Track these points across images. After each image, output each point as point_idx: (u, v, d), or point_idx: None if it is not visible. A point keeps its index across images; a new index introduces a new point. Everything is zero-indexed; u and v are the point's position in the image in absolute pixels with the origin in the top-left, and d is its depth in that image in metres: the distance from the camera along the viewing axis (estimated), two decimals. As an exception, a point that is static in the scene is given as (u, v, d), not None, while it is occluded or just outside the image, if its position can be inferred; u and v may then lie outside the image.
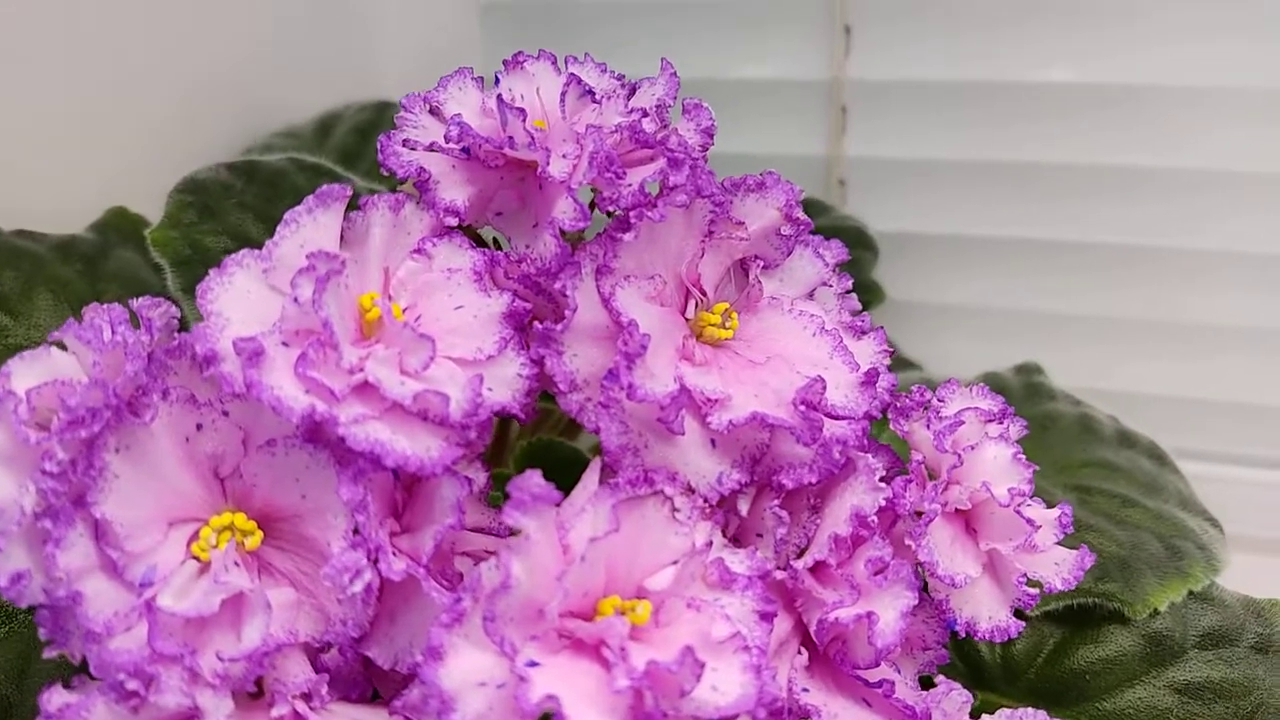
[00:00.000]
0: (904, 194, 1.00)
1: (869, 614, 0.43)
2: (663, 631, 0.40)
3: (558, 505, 0.39)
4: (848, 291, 0.53)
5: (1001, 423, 0.50)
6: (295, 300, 0.40)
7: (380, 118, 0.98)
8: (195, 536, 0.42)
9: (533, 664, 0.38)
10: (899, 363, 0.91)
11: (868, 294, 0.84)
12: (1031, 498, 0.50)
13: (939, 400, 0.50)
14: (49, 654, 0.41)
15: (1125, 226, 0.91)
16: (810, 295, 0.52)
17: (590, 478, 0.42)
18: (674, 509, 0.41)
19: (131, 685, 0.38)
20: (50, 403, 0.41)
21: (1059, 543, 0.49)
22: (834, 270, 0.53)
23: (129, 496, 0.40)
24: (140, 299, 0.44)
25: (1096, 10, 0.90)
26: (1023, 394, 0.77)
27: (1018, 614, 0.50)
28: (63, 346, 0.44)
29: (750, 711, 0.38)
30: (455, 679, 0.37)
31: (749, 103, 1.02)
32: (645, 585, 0.41)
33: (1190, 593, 0.62)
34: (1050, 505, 0.65)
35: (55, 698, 0.40)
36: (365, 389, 0.41)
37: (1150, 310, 0.92)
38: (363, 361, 0.40)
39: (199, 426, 0.42)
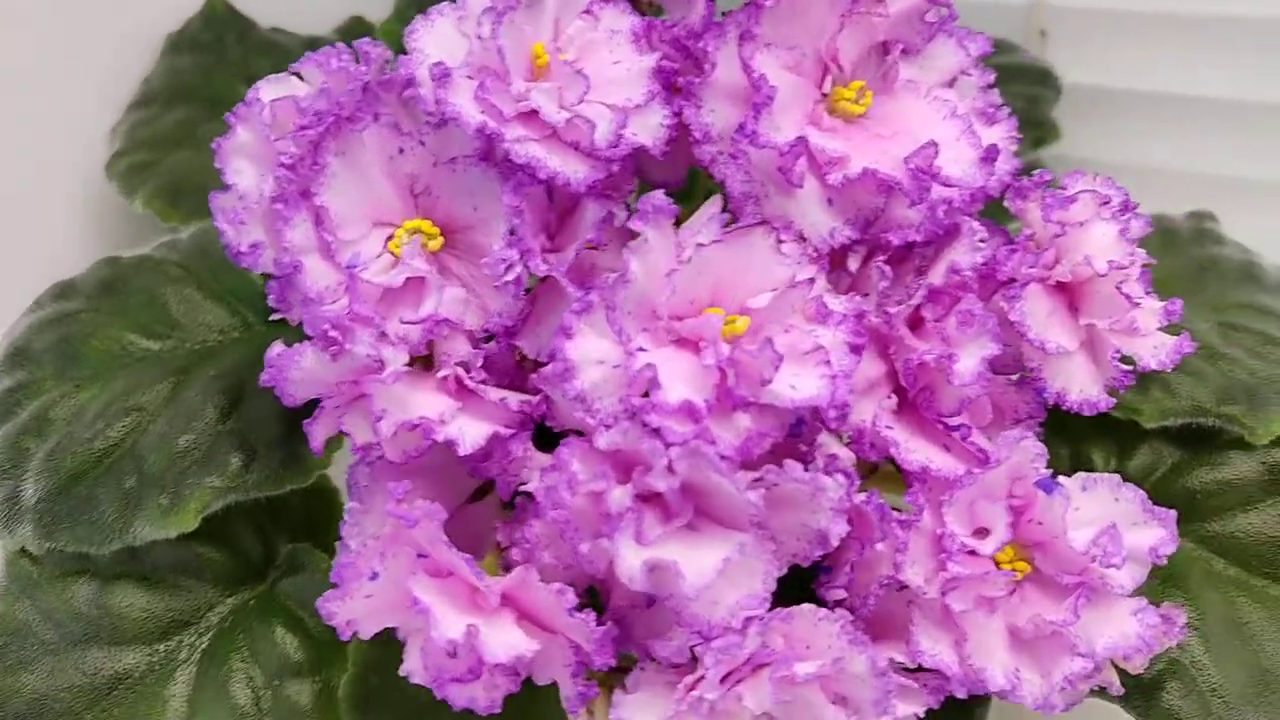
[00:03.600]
0: (1105, 48, 0.97)
1: (949, 355, 0.47)
2: (759, 344, 0.46)
3: (676, 221, 0.46)
4: (990, 85, 0.56)
5: (1124, 213, 0.52)
6: (478, 37, 0.48)
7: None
8: (391, 238, 0.51)
9: (642, 350, 0.45)
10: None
11: (1043, 131, 0.84)
12: (1147, 291, 0.53)
13: (1062, 186, 0.53)
14: (273, 318, 0.52)
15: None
16: (950, 84, 0.55)
17: (708, 207, 0.48)
18: (779, 241, 0.47)
19: (333, 334, 0.48)
20: (288, 114, 0.51)
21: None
22: (976, 62, 0.55)
23: (343, 192, 0.50)
24: (361, 40, 0.53)
25: None
26: (1190, 237, 0.76)
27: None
28: (300, 77, 0.54)
29: (821, 408, 0.44)
30: (579, 353, 0.45)
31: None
32: (747, 304, 0.47)
33: (1323, 429, 0.62)
34: (1192, 334, 0.66)
35: (275, 349, 0.51)
36: (530, 118, 0.48)
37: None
38: (528, 92, 0.48)
39: (400, 150, 0.51)
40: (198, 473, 0.59)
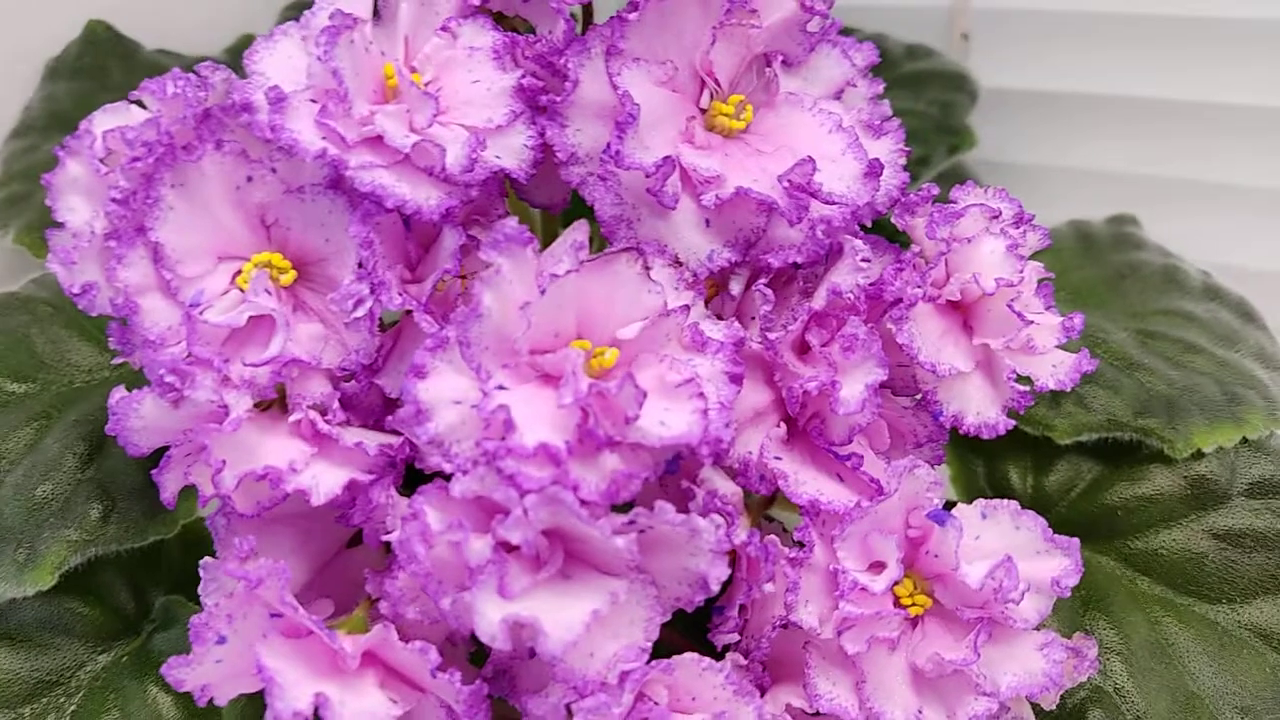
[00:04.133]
0: (1029, 52, 0.96)
1: (832, 382, 0.45)
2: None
3: (533, 249, 0.42)
4: (879, 96, 0.53)
5: (1017, 227, 0.49)
6: (318, 58, 0.45)
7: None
8: (240, 272, 0.48)
9: (501, 388, 0.42)
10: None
11: (958, 137, 0.82)
12: (1048, 306, 0.50)
13: (953, 199, 0.50)
14: (116, 362, 0.49)
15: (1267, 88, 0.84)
16: (837, 96, 0.52)
17: (571, 233, 0.45)
18: (646, 267, 0.44)
19: (169, 379, 0.44)
20: (120, 146, 0.47)
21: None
22: (864, 72, 0.53)
23: (182, 227, 0.46)
24: (203, 63, 0.50)
25: None
26: (1110, 242, 0.74)
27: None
28: (143, 105, 0.50)
29: (693, 446, 0.41)
30: (432, 394, 0.42)
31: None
32: (616, 336, 0.44)
33: (1245, 440, 0.60)
34: (1108, 344, 0.63)
35: (115, 395, 0.47)
36: (377, 142, 0.45)
37: None
38: (373, 115, 0.45)
39: (249, 178, 0.48)
40: (55, 525, 0.55)
